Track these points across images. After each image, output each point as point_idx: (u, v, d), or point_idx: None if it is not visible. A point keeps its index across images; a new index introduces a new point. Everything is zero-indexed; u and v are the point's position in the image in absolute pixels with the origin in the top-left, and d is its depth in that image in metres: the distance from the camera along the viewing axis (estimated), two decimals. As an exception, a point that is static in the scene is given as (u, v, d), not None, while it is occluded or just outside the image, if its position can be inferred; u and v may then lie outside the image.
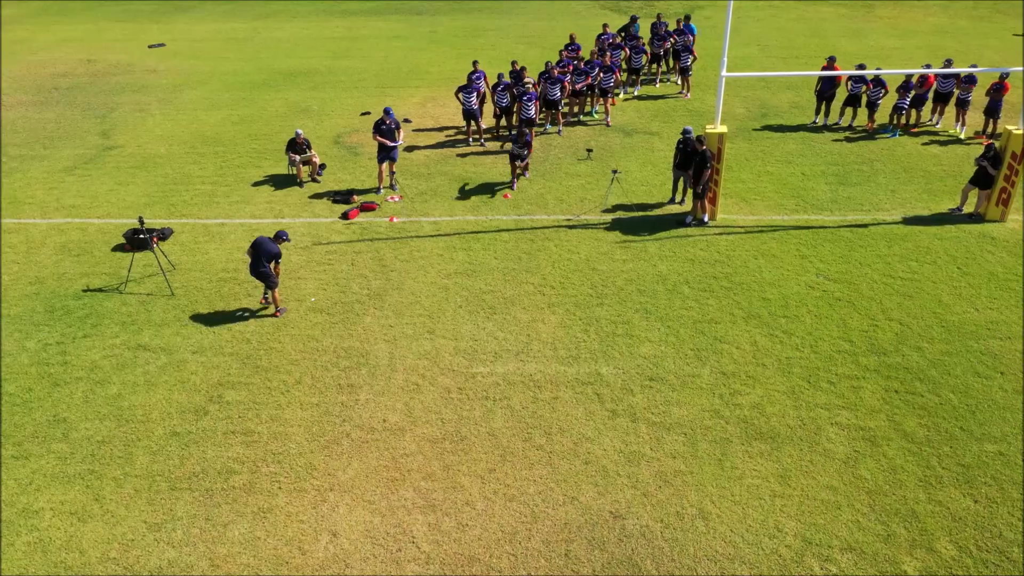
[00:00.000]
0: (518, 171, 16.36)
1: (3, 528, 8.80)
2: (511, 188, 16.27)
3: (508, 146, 15.84)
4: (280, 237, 12.18)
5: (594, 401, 10.50)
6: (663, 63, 22.44)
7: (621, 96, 21.34)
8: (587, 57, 20.51)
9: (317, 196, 16.37)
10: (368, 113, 20.42)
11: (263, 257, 11.93)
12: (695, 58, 20.99)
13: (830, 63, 18.03)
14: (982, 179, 14.61)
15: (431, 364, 11.29)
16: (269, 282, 12.17)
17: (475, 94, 17.91)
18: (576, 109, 20.13)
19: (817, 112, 19.33)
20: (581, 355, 11.38)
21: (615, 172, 15.67)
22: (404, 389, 10.81)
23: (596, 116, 20.19)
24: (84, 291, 13.20)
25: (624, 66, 21.44)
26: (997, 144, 14.59)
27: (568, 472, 9.40)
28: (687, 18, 21.97)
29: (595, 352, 11.44)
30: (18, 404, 10.67)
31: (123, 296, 13.04)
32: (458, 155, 18.19)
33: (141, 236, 13.93)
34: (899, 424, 10.01)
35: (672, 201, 15.71)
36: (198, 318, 12.41)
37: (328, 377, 11.08)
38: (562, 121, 19.37)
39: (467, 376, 11.03)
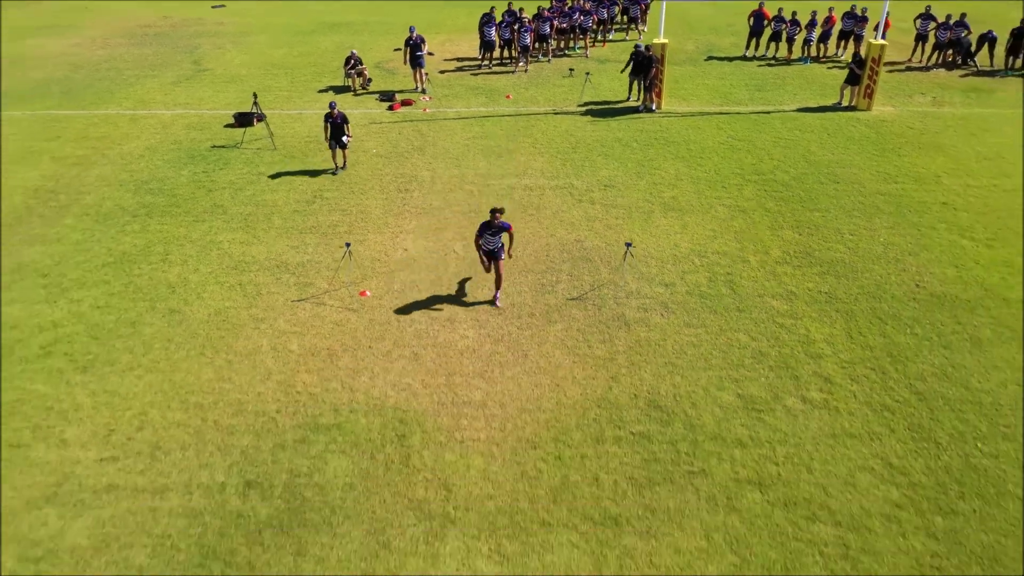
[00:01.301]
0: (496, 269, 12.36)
1: (196, 249, 14.30)
2: (494, 301, 12.53)
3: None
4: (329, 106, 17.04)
5: (568, 196, 16.06)
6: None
7: (599, 39, 26.88)
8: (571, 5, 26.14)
9: (366, 95, 21.94)
10: (399, 49, 25.96)
11: None
12: (646, 8, 26.93)
13: (760, 5, 23.62)
14: (853, 78, 20.21)
15: (459, 180, 16.85)
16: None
17: (494, 28, 23.49)
18: (562, 44, 25.74)
19: (747, 47, 24.96)
20: (559, 175, 16.95)
21: (588, 75, 21.24)
22: (442, 192, 16.36)
23: (578, 51, 25.79)
24: (212, 147, 18.74)
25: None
26: (862, 52, 20.20)
27: (549, 225, 14.96)
28: None
29: (569, 174, 17.01)
30: (187, 199, 16.20)
31: (240, 150, 18.57)
32: (472, 74, 23.79)
33: (250, 113, 19.51)
34: (762, 204, 15.59)
35: (628, 99, 21.30)
36: (296, 162, 17.94)
37: (391, 187, 16.62)
38: (551, 52, 24.97)
39: (483, 185, 16.59)
